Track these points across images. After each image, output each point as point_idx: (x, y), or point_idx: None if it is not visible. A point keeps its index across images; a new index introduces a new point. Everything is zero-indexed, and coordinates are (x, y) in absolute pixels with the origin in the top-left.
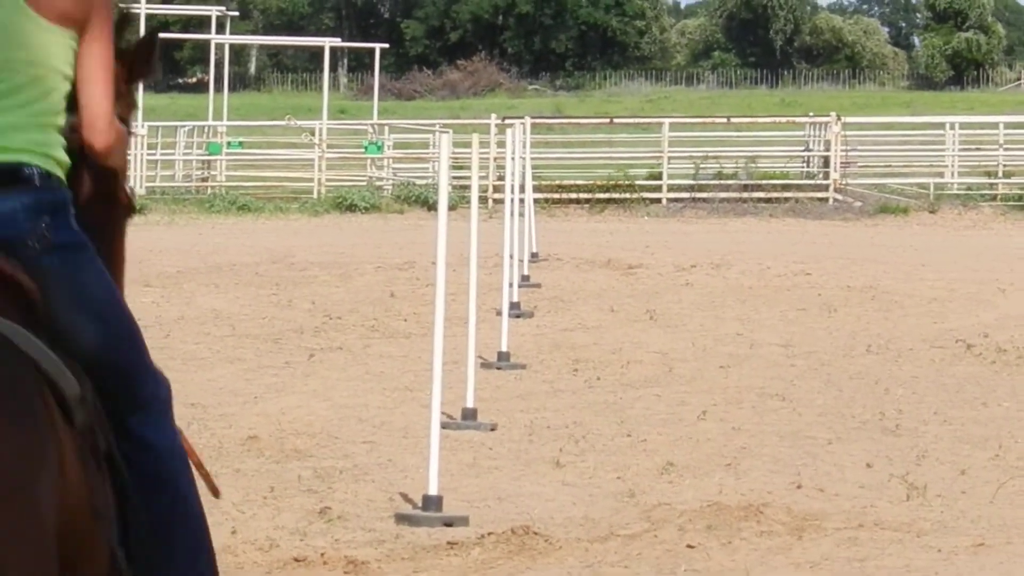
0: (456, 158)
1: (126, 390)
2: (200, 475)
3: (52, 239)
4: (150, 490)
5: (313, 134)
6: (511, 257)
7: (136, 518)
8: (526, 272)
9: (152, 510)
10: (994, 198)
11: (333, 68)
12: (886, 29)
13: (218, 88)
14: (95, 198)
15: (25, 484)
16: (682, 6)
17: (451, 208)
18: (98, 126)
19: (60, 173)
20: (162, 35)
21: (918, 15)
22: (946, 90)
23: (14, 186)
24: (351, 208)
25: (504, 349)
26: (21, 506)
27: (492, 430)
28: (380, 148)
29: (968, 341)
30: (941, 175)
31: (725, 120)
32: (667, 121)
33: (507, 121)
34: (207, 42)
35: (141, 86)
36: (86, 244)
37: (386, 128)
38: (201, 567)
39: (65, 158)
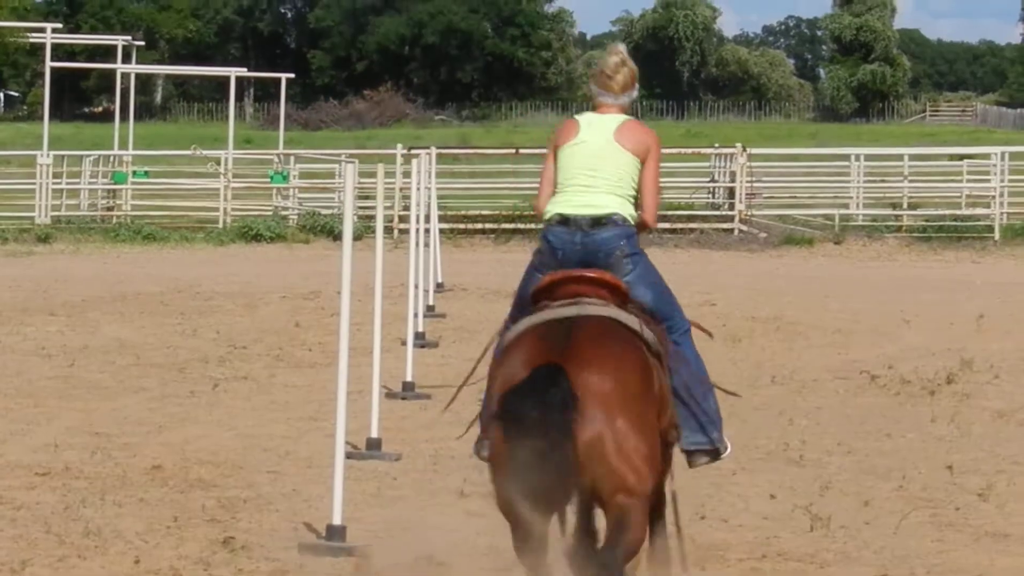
0: (362, 188)
1: (669, 325)
2: None
3: (627, 250)
4: (682, 368)
5: (219, 164)
6: (416, 287)
7: (674, 382)
8: (431, 302)
9: (682, 376)
10: (899, 229)
11: (239, 98)
12: (792, 61)
13: (124, 117)
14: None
15: (649, 379)
16: (588, 37)
17: (356, 238)
18: (648, 213)
19: (631, 221)
20: (68, 64)
21: (824, 47)
22: (851, 122)
23: (611, 225)
24: (257, 238)
25: (409, 379)
26: (650, 388)
27: (397, 460)
28: (286, 178)
29: (872, 372)
30: (846, 206)
31: None
32: None
33: (413, 151)
34: (113, 71)
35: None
36: (642, 253)
37: (292, 158)
38: (710, 405)
39: (633, 213)
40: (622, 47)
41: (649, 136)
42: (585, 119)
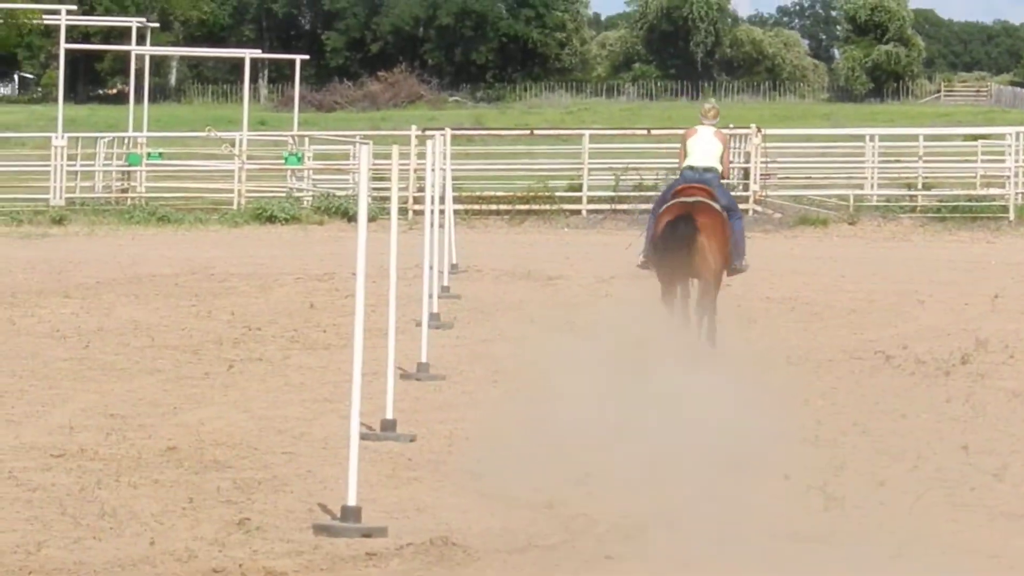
0: (376, 169)
1: (733, 212)
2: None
3: (717, 181)
4: (735, 231)
5: (233, 145)
6: (431, 268)
7: (733, 236)
8: (446, 283)
9: (734, 234)
10: (913, 210)
11: (253, 79)
12: (806, 41)
13: (138, 99)
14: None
15: (724, 229)
16: (603, 18)
17: (371, 219)
18: (725, 172)
19: (719, 171)
20: (83, 46)
21: (838, 28)
22: (866, 102)
23: (711, 171)
24: (271, 219)
25: (424, 360)
26: (724, 233)
27: (411, 441)
28: (300, 159)
29: (887, 352)
30: (861, 187)
31: (645, 132)
32: (587, 133)
33: (427, 132)
34: (127, 53)
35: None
36: (721, 185)
37: (306, 139)
38: (744, 248)
39: (720, 168)
40: (713, 100)
41: (726, 138)
42: (700, 127)
